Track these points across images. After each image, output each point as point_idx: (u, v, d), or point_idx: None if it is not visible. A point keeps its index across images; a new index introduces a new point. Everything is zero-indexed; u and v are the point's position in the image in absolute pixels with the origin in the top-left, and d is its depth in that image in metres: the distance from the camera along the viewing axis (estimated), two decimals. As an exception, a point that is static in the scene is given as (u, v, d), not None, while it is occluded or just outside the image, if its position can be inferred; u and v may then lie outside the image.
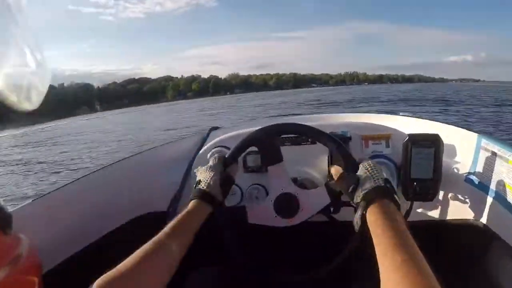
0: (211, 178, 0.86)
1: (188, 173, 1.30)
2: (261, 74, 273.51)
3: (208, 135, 1.45)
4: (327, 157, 1.14)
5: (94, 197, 1.15)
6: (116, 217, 1.21)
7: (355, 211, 0.73)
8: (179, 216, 0.78)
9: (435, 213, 1.14)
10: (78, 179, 1.14)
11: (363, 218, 0.69)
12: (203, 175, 0.88)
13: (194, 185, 0.88)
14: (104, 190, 1.19)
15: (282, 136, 1.15)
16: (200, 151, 1.33)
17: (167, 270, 0.65)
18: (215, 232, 0.90)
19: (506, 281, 0.86)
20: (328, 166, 1.12)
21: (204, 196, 0.83)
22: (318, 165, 1.19)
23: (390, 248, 0.56)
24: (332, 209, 0.95)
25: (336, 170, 0.84)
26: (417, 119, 1.34)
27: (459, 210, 1.07)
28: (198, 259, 0.98)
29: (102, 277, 0.54)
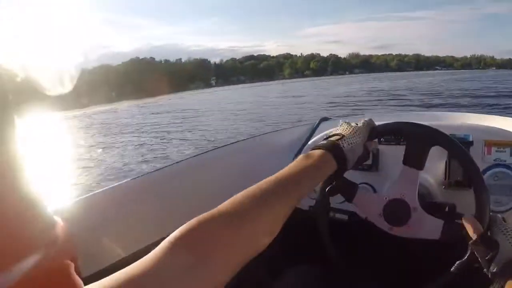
0: (355, 142, 0.76)
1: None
2: (383, 55, 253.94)
3: (317, 125, 1.46)
4: (444, 162, 1.07)
5: (199, 183, 1.23)
6: (221, 198, 1.32)
7: (492, 280, 0.65)
8: (298, 163, 0.69)
9: None
10: (187, 159, 1.26)
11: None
12: (347, 132, 0.77)
13: (326, 137, 0.80)
14: (205, 177, 1.26)
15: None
16: (309, 141, 1.34)
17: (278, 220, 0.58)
18: (312, 225, 0.91)
19: None
20: (445, 171, 1.06)
21: (339, 154, 0.71)
22: (433, 168, 1.09)
23: None
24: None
25: (472, 226, 0.71)
26: None
27: None
28: (294, 253, 1.03)
29: (196, 218, 0.50)
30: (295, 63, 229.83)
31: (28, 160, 0.30)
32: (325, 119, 1.52)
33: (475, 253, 0.68)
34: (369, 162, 1.14)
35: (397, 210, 0.84)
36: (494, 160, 1.04)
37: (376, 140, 0.90)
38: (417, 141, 0.84)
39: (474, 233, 0.69)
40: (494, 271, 0.63)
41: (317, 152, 0.70)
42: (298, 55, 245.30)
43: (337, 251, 0.88)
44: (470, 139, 1.03)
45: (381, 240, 0.92)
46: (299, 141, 1.38)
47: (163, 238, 0.46)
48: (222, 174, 1.29)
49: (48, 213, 0.34)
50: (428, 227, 0.82)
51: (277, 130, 1.56)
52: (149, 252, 0.44)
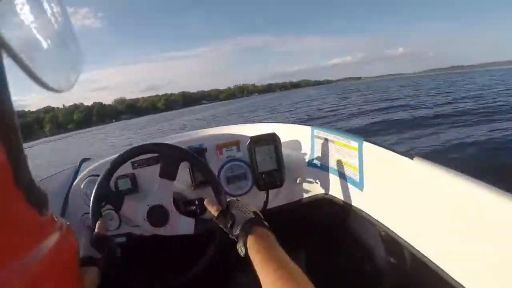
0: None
1: (65, 206, 1.30)
2: (149, 96, 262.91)
3: (80, 166, 1.48)
4: (187, 169, 1.32)
5: None
6: None
7: (236, 241, 0.86)
8: None
9: (290, 196, 1.38)
10: None
11: (245, 244, 0.82)
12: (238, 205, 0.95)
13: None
14: None
15: (145, 157, 1.26)
16: (74, 183, 1.34)
17: None
18: None
19: (360, 236, 1.12)
20: (191, 176, 1.32)
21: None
22: (181, 176, 1.32)
23: (264, 263, 0.69)
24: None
25: (214, 209, 0.96)
26: (260, 123, 1.58)
27: (309, 189, 1.33)
28: None
29: None
30: (55, 117, 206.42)
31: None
32: (85, 159, 1.54)
33: (220, 225, 0.92)
34: (128, 186, 1.28)
35: (157, 214, 1.03)
36: (226, 157, 1.35)
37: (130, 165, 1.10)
38: (167, 158, 1.05)
39: (215, 211, 0.94)
40: (236, 233, 0.86)
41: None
42: (60, 107, 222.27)
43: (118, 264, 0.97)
44: (204, 147, 1.33)
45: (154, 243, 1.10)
46: (64, 186, 1.37)
47: None
48: None
49: (47, 211, 0.35)
50: (183, 225, 1.04)
51: (42, 179, 1.44)
52: None
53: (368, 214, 1.05)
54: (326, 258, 1.33)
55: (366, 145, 1.04)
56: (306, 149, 1.35)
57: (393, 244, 0.92)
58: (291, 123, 1.48)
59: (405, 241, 0.88)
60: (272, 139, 1.26)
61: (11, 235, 0.27)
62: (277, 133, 1.28)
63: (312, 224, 1.36)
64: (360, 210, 1.09)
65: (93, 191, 1.02)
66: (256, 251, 0.75)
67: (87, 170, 1.34)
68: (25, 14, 0.27)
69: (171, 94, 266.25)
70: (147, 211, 1.03)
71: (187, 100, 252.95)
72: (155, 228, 1.03)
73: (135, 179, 1.29)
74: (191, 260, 1.01)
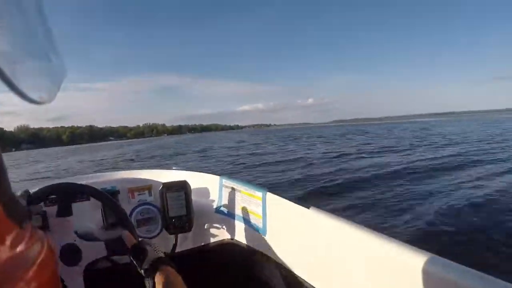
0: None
1: None
2: (55, 127, 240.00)
3: None
4: (100, 210, 1.32)
5: None
6: None
7: (144, 275, 0.91)
8: None
9: (198, 241, 1.46)
10: None
11: (153, 279, 0.88)
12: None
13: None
14: None
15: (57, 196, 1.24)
16: None
17: None
18: None
19: (264, 277, 1.21)
20: (102, 217, 1.32)
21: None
22: (94, 217, 1.33)
23: None
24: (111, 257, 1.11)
25: (129, 239, 0.99)
26: (171, 170, 1.66)
27: (216, 234, 1.42)
28: None
29: None
30: None
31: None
32: None
33: (132, 258, 0.96)
34: (39, 223, 1.24)
35: (71, 252, 1.05)
36: (138, 201, 1.40)
37: (42, 203, 1.08)
38: (63, 195, 1.08)
39: (130, 244, 0.98)
40: (145, 267, 0.91)
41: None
42: None
43: None
44: (117, 189, 1.37)
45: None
46: None
47: None
48: None
49: (27, 225, 0.35)
50: (95, 250, 1.09)
51: None
52: None
53: (270, 257, 1.16)
54: None
55: (269, 195, 1.18)
56: (214, 196, 1.46)
57: (294, 282, 1.05)
58: (200, 171, 1.60)
59: (303, 279, 1.02)
60: (183, 186, 1.35)
61: None
62: (188, 181, 1.37)
63: (219, 267, 1.44)
64: (263, 253, 1.20)
65: None
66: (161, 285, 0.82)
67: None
68: (5, 25, 0.27)
69: (78, 127, 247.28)
70: (59, 255, 1.03)
71: (94, 134, 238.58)
72: (75, 267, 1.05)
73: (46, 217, 1.25)
74: None
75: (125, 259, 1.05)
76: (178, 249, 1.38)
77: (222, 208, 1.41)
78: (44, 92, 0.34)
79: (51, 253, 0.40)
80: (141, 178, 1.47)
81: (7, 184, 0.32)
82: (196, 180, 1.43)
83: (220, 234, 1.41)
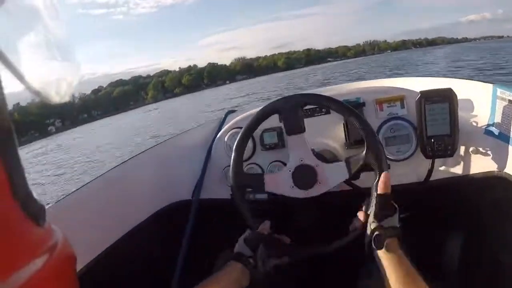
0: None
1: (208, 158, 1.38)
2: (272, 55, 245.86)
3: (225, 118, 1.52)
4: (342, 125, 1.23)
5: (115, 194, 1.22)
6: (140, 211, 1.29)
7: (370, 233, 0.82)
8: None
9: (458, 169, 1.19)
10: (97, 178, 1.21)
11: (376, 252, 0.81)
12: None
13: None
14: (124, 186, 1.25)
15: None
16: (218, 135, 1.39)
17: None
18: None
19: None
20: (345, 133, 1.22)
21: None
22: (334, 133, 1.26)
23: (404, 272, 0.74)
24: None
25: (385, 183, 0.87)
26: (429, 77, 1.38)
27: (482, 163, 1.12)
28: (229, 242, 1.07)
29: None
30: (159, 82, 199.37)
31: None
32: (231, 111, 1.58)
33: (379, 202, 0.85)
34: (275, 140, 1.27)
35: (304, 175, 0.97)
36: (388, 115, 1.21)
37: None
38: (288, 110, 0.97)
39: (383, 190, 0.86)
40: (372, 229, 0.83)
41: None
42: (176, 70, 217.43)
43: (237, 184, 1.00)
44: (361, 101, 1.21)
45: (299, 206, 1.06)
46: (208, 138, 1.44)
47: None
48: (144, 181, 1.30)
49: (44, 223, 0.36)
50: (335, 173, 0.95)
51: (185, 131, 1.56)
52: None
53: None
54: (485, 248, 1.16)
55: None
56: (484, 111, 1.13)
57: None
58: (466, 78, 1.27)
59: None
60: (447, 96, 1.08)
61: (7, 247, 0.29)
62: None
63: (477, 206, 1.18)
64: None
65: (231, 180, 1.02)
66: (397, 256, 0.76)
67: (231, 122, 1.38)
68: (20, 23, 0.29)
69: (293, 52, 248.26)
70: (291, 178, 0.98)
71: (311, 57, 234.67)
72: (306, 191, 0.97)
73: (281, 133, 1.28)
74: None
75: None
76: (432, 177, 1.17)
77: (493, 128, 1.07)
78: (57, 91, 0.35)
79: (69, 253, 0.41)
80: (391, 87, 1.26)
81: (23, 180, 0.33)
82: (460, 89, 1.13)
83: (486, 163, 1.10)
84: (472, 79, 1.26)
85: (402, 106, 1.20)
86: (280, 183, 0.99)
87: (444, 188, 1.20)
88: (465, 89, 1.19)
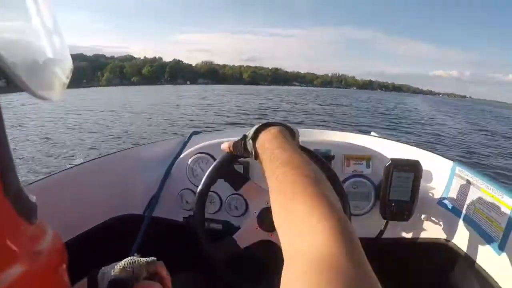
0: None
1: (167, 176, 1.33)
2: (239, 65, 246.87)
3: (189, 139, 1.49)
4: None
5: (68, 197, 1.15)
6: (92, 217, 1.23)
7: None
8: None
9: (409, 232, 1.28)
10: (50, 175, 1.13)
11: (255, 145, 0.75)
12: None
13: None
14: (80, 190, 1.19)
15: None
16: (181, 155, 1.36)
17: None
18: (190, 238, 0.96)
19: None
20: None
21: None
22: None
23: (273, 165, 0.64)
24: None
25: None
26: (397, 142, 1.46)
27: (431, 230, 1.21)
28: (176, 263, 1.03)
29: None
30: (122, 67, 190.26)
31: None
32: (196, 132, 1.56)
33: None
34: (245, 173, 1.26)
35: (269, 217, 0.93)
36: (352, 172, 1.27)
37: None
38: (221, 176, 0.96)
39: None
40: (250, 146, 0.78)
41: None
42: (141, 58, 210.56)
43: (219, 257, 0.94)
44: (332, 154, 1.25)
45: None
46: (169, 156, 1.40)
47: None
48: (95, 187, 1.24)
49: (36, 220, 0.36)
50: None
51: (147, 144, 1.52)
52: None
53: (498, 284, 0.91)
54: None
55: None
56: (440, 184, 1.22)
57: None
58: (430, 150, 1.36)
59: None
60: (415, 168, 1.16)
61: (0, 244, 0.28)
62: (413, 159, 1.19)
63: (424, 269, 1.26)
64: (489, 275, 0.95)
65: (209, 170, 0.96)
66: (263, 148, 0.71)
67: (197, 146, 1.35)
68: (16, 24, 0.28)
69: (261, 68, 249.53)
70: (256, 219, 0.96)
71: (278, 77, 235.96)
72: (271, 233, 0.95)
73: (247, 168, 1.27)
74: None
75: None
76: (384, 235, 1.24)
77: (446, 201, 1.16)
78: (52, 90, 0.35)
79: (61, 250, 0.40)
80: (359, 145, 1.31)
81: (14, 176, 0.32)
82: (424, 160, 1.21)
83: (435, 231, 1.20)
84: (436, 151, 1.35)
85: (368, 166, 1.26)
86: (247, 228, 0.98)
87: (395, 247, 1.26)
88: (428, 160, 1.26)
